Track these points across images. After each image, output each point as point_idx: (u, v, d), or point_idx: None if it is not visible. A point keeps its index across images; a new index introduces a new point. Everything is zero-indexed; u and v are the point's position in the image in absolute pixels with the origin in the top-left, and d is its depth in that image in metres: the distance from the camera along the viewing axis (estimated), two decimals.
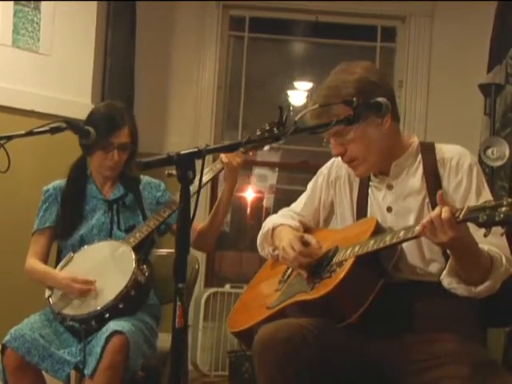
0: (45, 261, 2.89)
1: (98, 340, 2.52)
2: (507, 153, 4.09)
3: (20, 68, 4.09)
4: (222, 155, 2.81)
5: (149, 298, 2.82)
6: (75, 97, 4.23)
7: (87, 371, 2.49)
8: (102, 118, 2.83)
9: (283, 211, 2.55)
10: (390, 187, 2.22)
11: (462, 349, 1.96)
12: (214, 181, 4.65)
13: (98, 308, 2.60)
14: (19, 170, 3.42)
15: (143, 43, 4.88)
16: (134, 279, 2.65)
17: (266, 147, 2.77)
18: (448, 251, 1.97)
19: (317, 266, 2.19)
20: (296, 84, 5.68)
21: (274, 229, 2.44)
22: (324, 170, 2.45)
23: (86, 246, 2.82)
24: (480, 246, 1.93)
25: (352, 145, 2.16)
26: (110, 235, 2.85)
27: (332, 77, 2.20)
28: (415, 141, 2.25)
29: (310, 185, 2.50)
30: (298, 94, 5.66)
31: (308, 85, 5.63)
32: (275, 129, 2.78)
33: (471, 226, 1.84)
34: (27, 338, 2.55)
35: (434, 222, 1.82)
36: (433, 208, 2.05)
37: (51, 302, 2.71)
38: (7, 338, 2.57)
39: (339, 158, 2.28)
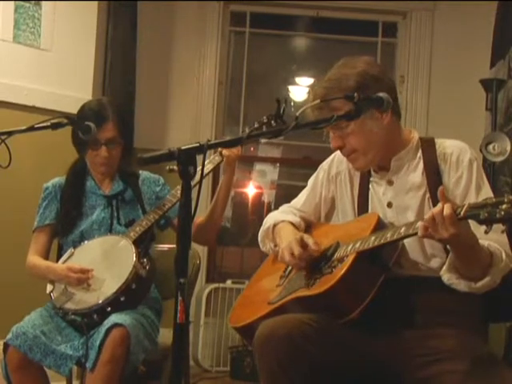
0: (45, 258, 2.91)
1: (99, 333, 2.52)
2: (509, 148, 4.08)
3: (21, 64, 4.09)
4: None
5: (150, 292, 2.82)
6: (76, 92, 4.23)
7: (88, 364, 2.51)
8: (87, 114, 2.83)
9: (284, 207, 2.54)
10: (390, 183, 2.22)
11: (463, 344, 1.97)
12: (216, 175, 4.65)
13: (100, 301, 2.61)
14: (20, 165, 3.42)
15: (144, 38, 4.87)
16: (135, 272, 2.66)
17: (263, 139, 2.77)
18: (448, 247, 1.97)
19: (318, 261, 2.19)
20: (297, 79, 5.67)
21: (275, 225, 2.44)
22: (325, 165, 2.45)
23: (86, 242, 2.83)
24: (480, 241, 1.93)
25: (351, 137, 2.16)
26: (110, 230, 2.86)
27: (334, 70, 2.20)
28: (415, 136, 2.25)
29: (310, 180, 2.49)
30: (299, 89, 5.65)
31: (309, 80, 5.62)
32: (273, 121, 2.78)
33: (472, 222, 1.84)
34: (29, 335, 2.56)
35: (436, 219, 1.82)
36: (433, 203, 2.05)
37: (53, 297, 2.72)
38: (9, 336, 2.58)
39: (340, 154, 2.29)
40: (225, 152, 2.81)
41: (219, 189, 2.91)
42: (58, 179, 2.98)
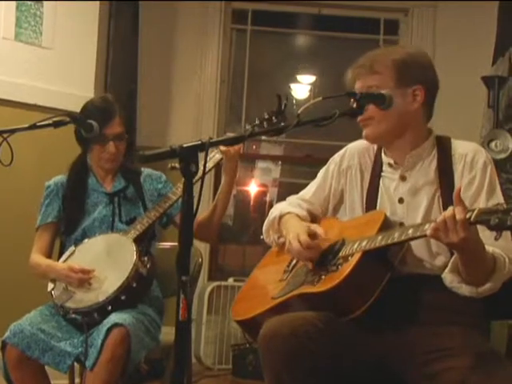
0: (49, 256, 2.91)
1: (99, 332, 2.52)
2: (511, 145, 4.08)
3: (22, 62, 4.08)
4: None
5: (151, 290, 2.82)
6: (78, 90, 4.22)
7: (88, 363, 2.50)
8: (92, 112, 2.82)
9: (291, 199, 2.52)
10: (403, 178, 2.22)
11: (467, 341, 1.96)
12: (218, 172, 4.64)
13: (100, 300, 2.61)
14: (22, 163, 3.42)
15: (146, 36, 4.86)
16: (136, 271, 2.66)
17: (264, 137, 2.76)
18: (454, 252, 1.96)
19: (323, 258, 2.18)
20: (299, 77, 5.66)
21: (281, 216, 2.42)
22: (336, 157, 2.43)
23: (87, 240, 2.83)
24: (485, 247, 1.93)
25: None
26: (111, 228, 2.86)
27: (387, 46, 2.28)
28: (432, 134, 2.27)
29: (320, 172, 2.47)
30: (301, 87, 5.64)
31: (311, 78, 5.62)
32: (274, 118, 2.76)
33: (479, 226, 1.84)
34: (26, 333, 2.56)
35: (447, 223, 1.81)
36: (443, 202, 2.06)
37: (53, 296, 2.71)
38: (7, 334, 2.58)
39: (352, 148, 2.34)
40: (222, 148, 2.79)
41: (221, 187, 2.90)
42: (60, 177, 2.98)
